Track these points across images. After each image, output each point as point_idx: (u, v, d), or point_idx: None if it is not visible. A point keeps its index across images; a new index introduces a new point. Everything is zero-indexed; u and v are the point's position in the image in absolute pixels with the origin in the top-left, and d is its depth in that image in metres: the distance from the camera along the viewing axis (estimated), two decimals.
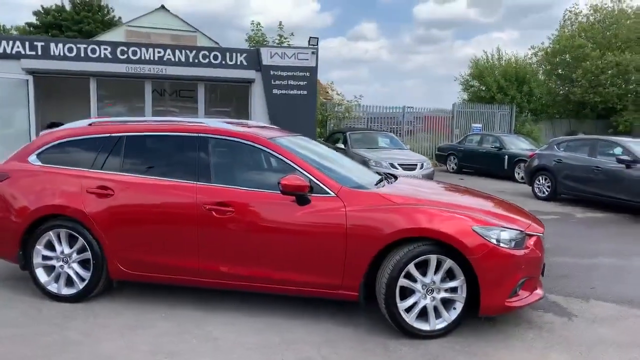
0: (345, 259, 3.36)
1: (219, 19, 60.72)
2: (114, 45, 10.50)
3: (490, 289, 3.24)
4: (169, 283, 3.86)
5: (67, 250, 3.85)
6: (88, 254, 3.79)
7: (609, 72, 21.82)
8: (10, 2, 48.61)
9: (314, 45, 11.45)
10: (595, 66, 21.89)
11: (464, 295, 3.31)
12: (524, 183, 11.54)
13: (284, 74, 11.03)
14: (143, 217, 3.74)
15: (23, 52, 9.85)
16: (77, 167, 3.93)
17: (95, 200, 3.76)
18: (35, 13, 31.48)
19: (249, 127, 4.36)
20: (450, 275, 3.32)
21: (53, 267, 3.88)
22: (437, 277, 3.30)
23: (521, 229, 3.44)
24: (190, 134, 3.88)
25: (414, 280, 3.30)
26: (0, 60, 9.68)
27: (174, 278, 3.75)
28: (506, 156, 13.61)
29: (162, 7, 23.74)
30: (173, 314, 3.67)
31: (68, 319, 3.56)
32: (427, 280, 3.30)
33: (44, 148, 4.08)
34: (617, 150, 8.79)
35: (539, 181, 10.08)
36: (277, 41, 16.93)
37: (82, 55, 10.09)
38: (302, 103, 11.07)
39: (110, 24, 31.38)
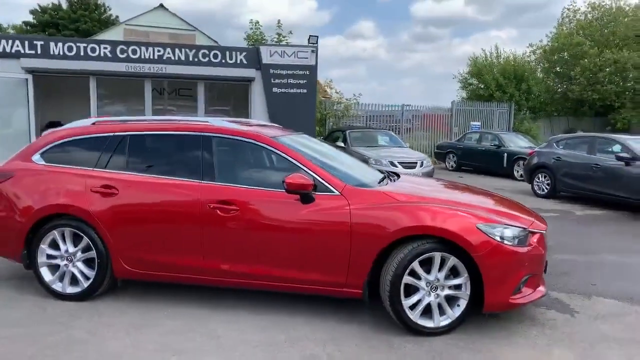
0: (350, 257, 3.38)
1: (216, 17, 60.77)
2: (114, 44, 10.49)
3: (494, 286, 3.26)
4: (174, 282, 3.87)
5: (71, 249, 3.85)
6: (93, 253, 3.80)
7: (607, 69, 21.91)
8: (7, 0, 48.45)
9: (313, 43, 11.46)
10: (594, 64, 21.98)
11: (468, 292, 3.33)
12: (523, 181, 11.58)
13: (284, 72, 11.05)
14: (147, 216, 3.75)
15: (22, 51, 9.84)
16: (81, 166, 3.93)
17: (100, 199, 3.76)
18: (32, 11, 31.42)
19: (251, 125, 4.38)
20: (454, 272, 3.35)
21: (57, 266, 3.89)
22: (441, 275, 3.32)
23: (524, 227, 3.46)
24: (194, 133, 3.89)
25: (418, 277, 3.32)
26: (0, 59, 9.66)
27: (179, 276, 3.76)
28: (505, 154, 13.64)
29: (161, 5, 23.68)
30: (178, 313, 3.68)
31: (73, 317, 3.56)
32: (431, 277, 3.32)
33: (47, 147, 4.08)
34: (616, 148, 8.82)
35: (539, 179, 10.11)
36: (275, 40, 16.92)
37: (82, 54, 10.08)
38: (302, 102, 11.09)
39: (107, 22, 31.34)
